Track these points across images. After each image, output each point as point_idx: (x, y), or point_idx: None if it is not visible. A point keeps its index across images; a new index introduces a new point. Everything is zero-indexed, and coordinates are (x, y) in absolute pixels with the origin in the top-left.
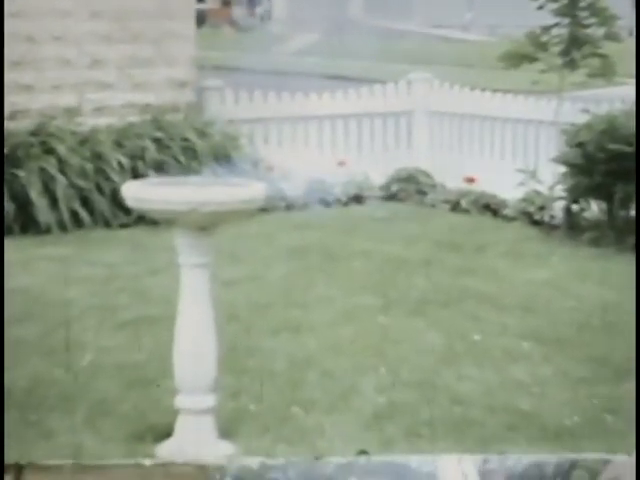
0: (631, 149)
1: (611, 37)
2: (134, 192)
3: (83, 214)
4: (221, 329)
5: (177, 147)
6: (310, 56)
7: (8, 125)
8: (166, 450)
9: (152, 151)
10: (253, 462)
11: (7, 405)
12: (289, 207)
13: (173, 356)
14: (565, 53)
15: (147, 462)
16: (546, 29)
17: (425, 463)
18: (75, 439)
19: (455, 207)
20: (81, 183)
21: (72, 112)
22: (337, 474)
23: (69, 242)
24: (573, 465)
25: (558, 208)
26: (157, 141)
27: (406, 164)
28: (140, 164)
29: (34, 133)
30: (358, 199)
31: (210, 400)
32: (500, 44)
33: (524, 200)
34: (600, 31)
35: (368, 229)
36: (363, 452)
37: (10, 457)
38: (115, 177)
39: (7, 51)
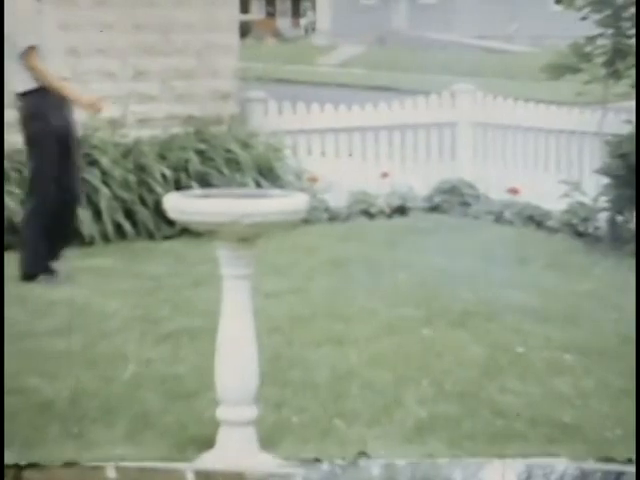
0: None
1: None
2: (176, 204)
3: (126, 226)
4: (261, 341)
5: (220, 159)
6: (353, 67)
7: None
8: (207, 462)
9: (195, 163)
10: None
11: (49, 416)
12: (332, 219)
13: (215, 368)
14: (609, 64)
15: (148, 464)
16: (590, 40)
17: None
18: (117, 451)
19: (499, 218)
20: (124, 195)
21: (115, 124)
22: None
23: (112, 254)
24: (619, 476)
25: (602, 219)
26: (200, 153)
27: (449, 175)
28: (183, 176)
29: None
30: (401, 210)
31: (252, 412)
32: (543, 55)
33: (568, 211)
34: None
35: (411, 241)
36: (363, 453)
37: (53, 469)
38: (158, 189)
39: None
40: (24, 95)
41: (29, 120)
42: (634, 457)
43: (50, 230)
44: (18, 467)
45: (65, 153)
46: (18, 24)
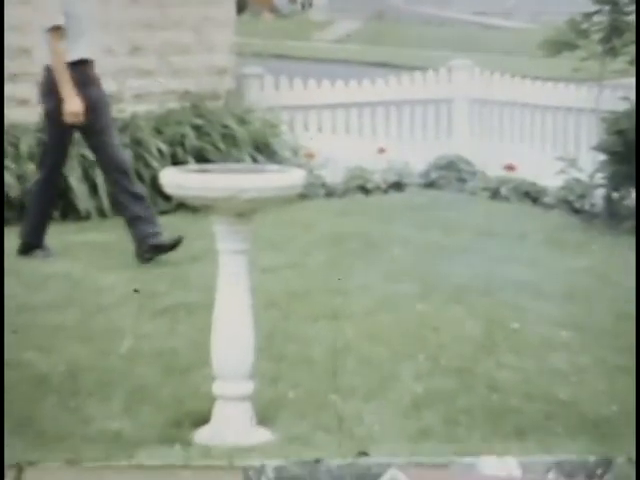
0: None
1: None
2: (173, 179)
3: None
4: (258, 316)
5: (217, 134)
6: (350, 43)
7: None
8: (204, 436)
9: (192, 138)
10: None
11: (45, 391)
12: (329, 194)
13: (211, 342)
14: (606, 41)
15: (148, 463)
16: (587, 16)
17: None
18: (113, 425)
19: (495, 195)
20: None
21: (112, 99)
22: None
23: (108, 229)
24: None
25: (598, 196)
26: (197, 128)
27: (446, 151)
28: (179, 151)
29: None
30: (398, 186)
31: (248, 387)
32: (541, 32)
33: (564, 188)
34: None
35: (408, 216)
36: (363, 453)
37: (52, 441)
38: (155, 164)
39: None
40: (47, 69)
41: (46, 95)
42: (627, 435)
43: (53, 206)
44: (18, 467)
45: (87, 136)
46: (47, 1)
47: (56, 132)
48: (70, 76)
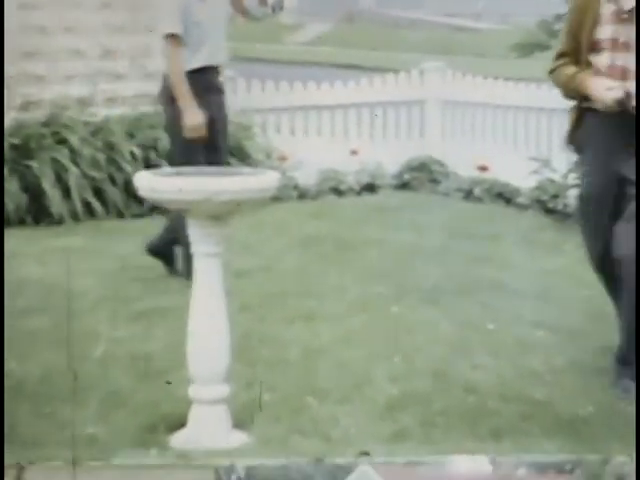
0: None
1: None
2: (147, 182)
3: (96, 205)
4: (233, 319)
5: None
6: (322, 46)
7: (20, 116)
8: (180, 440)
9: (164, 141)
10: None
11: (20, 397)
12: (302, 196)
13: (186, 346)
14: None
15: (148, 463)
16: (558, 18)
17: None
18: (88, 430)
19: (468, 196)
20: (94, 173)
21: (84, 102)
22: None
23: (82, 233)
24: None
25: (572, 196)
26: None
27: (419, 153)
28: (153, 154)
29: (46, 124)
30: (371, 188)
31: (224, 390)
32: (512, 33)
33: (537, 188)
34: None
35: (381, 218)
36: (365, 453)
37: (23, 449)
38: (127, 167)
39: (19, 42)
40: (166, 77)
41: (168, 103)
42: (602, 435)
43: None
44: (19, 467)
45: (209, 144)
46: (165, 8)
47: (181, 145)
48: (191, 85)
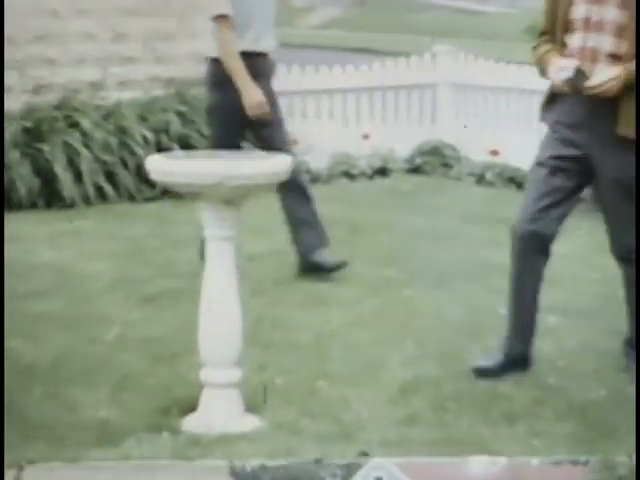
0: None
1: None
2: (159, 166)
3: (107, 188)
4: (245, 302)
5: (201, 121)
6: (333, 29)
7: (32, 99)
8: (191, 423)
9: (176, 125)
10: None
11: (32, 379)
12: (313, 180)
13: (198, 329)
14: None
15: (148, 462)
16: None
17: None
18: (100, 413)
19: (480, 180)
20: (105, 157)
21: (96, 86)
22: None
23: (93, 216)
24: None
25: None
26: (181, 115)
27: (431, 137)
28: (164, 138)
29: (58, 107)
30: (383, 172)
31: (235, 373)
32: (521, 16)
33: None
34: None
35: (393, 202)
36: (364, 454)
37: (36, 431)
38: (139, 151)
39: (31, 25)
40: (211, 60)
41: (210, 88)
42: (615, 419)
43: None
44: (18, 467)
45: (256, 129)
46: None
47: (218, 127)
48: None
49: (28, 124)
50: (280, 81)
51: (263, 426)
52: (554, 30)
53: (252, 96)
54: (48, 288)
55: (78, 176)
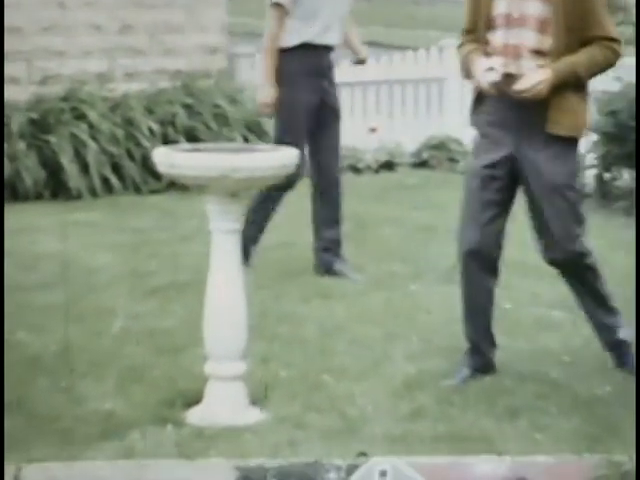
0: None
1: None
2: (165, 158)
3: (114, 180)
4: (250, 296)
5: (208, 113)
6: None
7: (39, 91)
8: (196, 416)
9: (183, 117)
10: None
11: (37, 371)
12: None
13: (203, 322)
14: None
15: (148, 462)
16: None
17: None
18: (105, 405)
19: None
20: (112, 149)
21: (103, 78)
22: None
23: (99, 208)
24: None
25: (590, 176)
26: (188, 107)
27: (437, 131)
28: (171, 130)
29: (65, 99)
30: (389, 166)
31: (240, 366)
32: None
33: None
34: None
35: (399, 196)
36: (362, 454)
37: (42, 424)
38: (146, 143)
39: (38, 16)
40: (280, 51)
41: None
42: (620, 415)
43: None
44: (18, 467)
45: (321, 127)
46: None
47: (285, 124)
48: (298, 63)
49: (35, 115)
50: None
51: (267, 419)
52: (477, 28)
53: (262, 95)
54: (53, 280)
55: (84, 168)
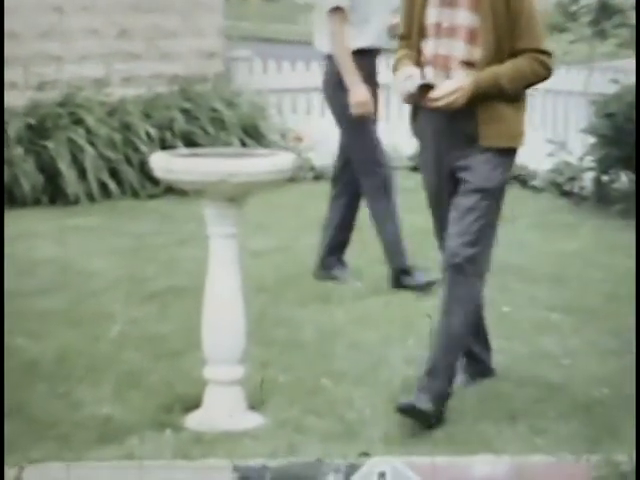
0: None
1: None
2: (162, 163)
3: (111, 185)
4: (248, 300)
5: (205, 118)
6: None
7: (36, 96)
8: (195, 421)
9: (180, 122)
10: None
11: (35, 377)
12: (317, 177)
13: (201, 327)
14: (594, 23)
15: (148, 464)
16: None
17: None
18: (103, 410)
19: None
20: (109, 154)
21: (100, 82)
22: None
23: (97, 213)
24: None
25: (588, 179)
26: (185, 112)
27: None
28: (168, 135)
29: (62, 104)
30: None
31: (239, 371)
32: None
33: (553, 171)
34: (630, 1)
35: (397, 199)
36: (365, 454)
37: (40, 429)
38: (143, 148)
39: (35, 21)
40: (329, 58)
41: (331, 87)
42: (618, 418)
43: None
44: (19, 467)
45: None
46: None
47: (354, 130)
48: (356, 65)
49: (32, 121)
50: (284, 78)
51: (266, 423)
52: (411, 35)
53: (358, 94)
54: (52, 285)
55: (82, 173)
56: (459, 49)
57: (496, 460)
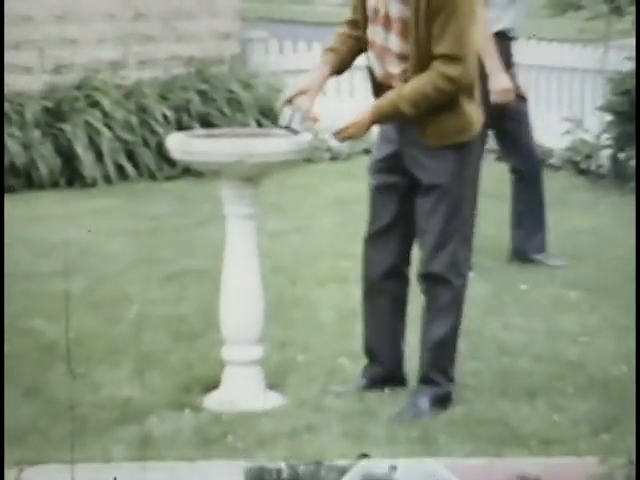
0: None
1: None
2: (179, 144)
3: (128, 167)
4: (266, 280)
5: (222, 99)
6: None
7: (53, 79)
8: (213, 401)
9: (197, 103)
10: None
11: (54, 358)
12: (333, 158)
13: (220, 307)
14: (611, 0)
15: (151, 464)
16: None
17: None
18: (122, 391)
19: (501, 156)
20: (126, 136)
21: (116, 65)
22: None
23: (114, 195)
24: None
25: (604, 157)
26: (202, 93)
27: None
28: (185, 117)
29: (79, 87)
30: None
31: (257, 351)
32: None
33: (570, 149)
34: None
35: None
36: (364, 455)
37: (59, 409)
38: (160, 130)
39: (52, 4)
40: None
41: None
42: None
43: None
44: (19, 467)
45: (510, 126)
46: None
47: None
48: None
49: (49, 104)
50: (300, 59)
51: (285, 403)
52: (358, 21)
53: (500, 81)
54: (70, 267)
55: (99, 155)
56: (394, 42)
57: (496, 460)
